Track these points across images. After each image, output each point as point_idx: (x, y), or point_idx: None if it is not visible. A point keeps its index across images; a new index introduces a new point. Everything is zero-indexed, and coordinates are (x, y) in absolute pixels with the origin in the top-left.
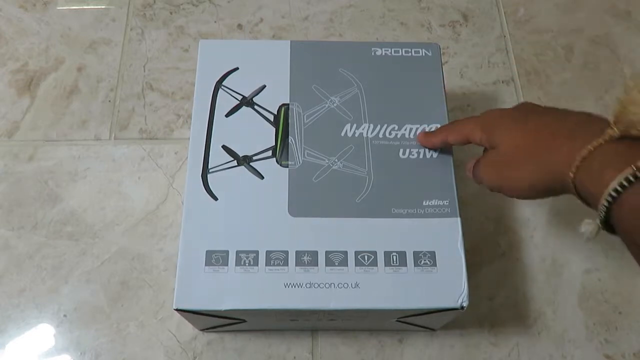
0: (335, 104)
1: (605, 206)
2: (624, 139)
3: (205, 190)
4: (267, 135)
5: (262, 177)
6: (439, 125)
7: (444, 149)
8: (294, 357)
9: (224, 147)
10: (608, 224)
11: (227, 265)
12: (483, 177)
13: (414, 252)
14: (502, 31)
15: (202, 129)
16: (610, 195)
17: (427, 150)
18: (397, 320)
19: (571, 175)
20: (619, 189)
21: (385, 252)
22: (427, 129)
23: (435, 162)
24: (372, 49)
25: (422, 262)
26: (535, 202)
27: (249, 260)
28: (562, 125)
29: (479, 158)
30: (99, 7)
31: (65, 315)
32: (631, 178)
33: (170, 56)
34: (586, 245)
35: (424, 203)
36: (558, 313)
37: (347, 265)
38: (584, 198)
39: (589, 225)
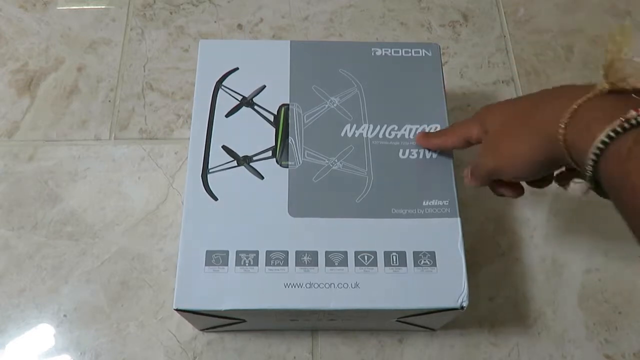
0: (335, 104)
1: (592, 160)
2: (612, 94)
3: (205, 191)
4: (267, 136)
5: (262, 178)
6: (438, 126)
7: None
8: (294, 357)
9: (224, 147)
10: (597, 183)
11: (227, 265)
12: (481, 168)
13: (414, 252)
14: (502, 31)
15: (202, 129)
16: (597, 147)
17: (427, 150)
18: (397, 320)
19: (561, 132)
20: (606, 140)
21: (385, 252)
22: (427, 129)
23: (435, 162)
24: (372, 49)
25: (422, 262)
26: (535, 201)
27: (249, 261)
28: (551, 91)
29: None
30: (99, 7)
31: (65, 315)
32: (619, 129)
33: (170, 56)
34: (586, 245)
35: (423, 203)
36: (558, 313)
37: (347, 266)
38: (575, 159)
39: (578, 184)
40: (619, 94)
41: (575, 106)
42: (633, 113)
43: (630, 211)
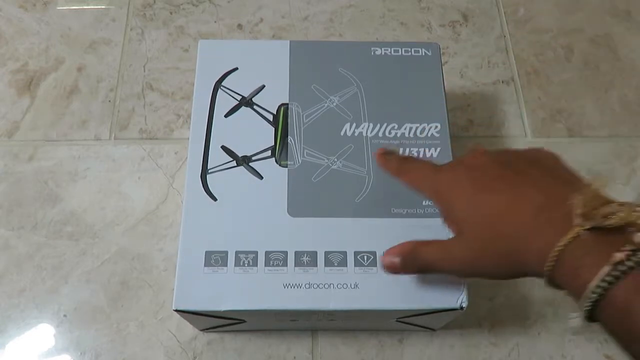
0: (334, 104)
1: (587, 308)
2: (591, 231)
3: (204, 191)
4: (266, 135)
5: (262, 177)
6: (439, 125)
7: (443, 149)
8: (294, 357)
9: (223, 147)
10: (592, 318)
11: (226, 265)
12: (443, 263)
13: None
14: (502, 31)
15: (202, 129)
16: (590, 300)
17: (426, 149)
18: (397, 321)
19: (546, 274)
20: (598, 291)
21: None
22: (427, 128)
23: (435, 161)
24: (372, 48)
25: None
26: None
27: (248, 261)
28: (524, 211)
29: (421, 244)
30: (99, 7)
31: (65, 315)
32: (609, 279)
33: (170, 56)
34: None
35: (423, 203)
36: (558, 313)
37: (347, 266)
38: (561, 288)
39: (576, 319)
40: (601, 232)
41: (557, 250)
42: (618, 255)
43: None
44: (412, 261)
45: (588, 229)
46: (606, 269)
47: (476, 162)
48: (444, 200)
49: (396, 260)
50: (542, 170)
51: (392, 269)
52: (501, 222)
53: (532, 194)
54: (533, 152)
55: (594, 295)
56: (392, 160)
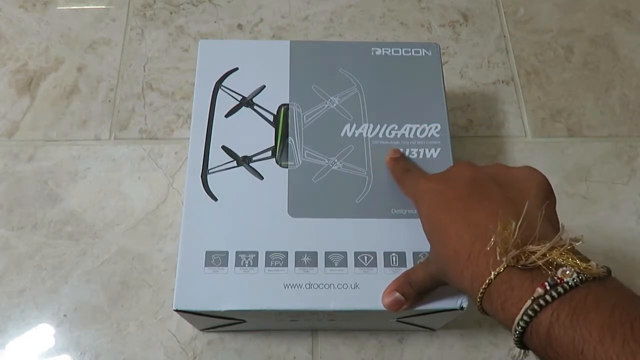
0: (334, 104)
1: (517, 337)
2: (515, 267)
3: (204, 191)
4: (266, 136)
5: (262, 178)
6: (439, 125)
7: (443, 149)
8: (294, 357)
9: (223, 147)
10: (525, 346)
11: (226, 265)
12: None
13: (414, 253)
14: (502, 31)
15: (202, 129)
16: (518, 326)
17: (426, 150)
18: (397, 321)
19: (477, 304)
20: (523, 324)
21: (384, 253)
22: (427, 129)
23: (435, 162)
24: (372, 48)
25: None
26: None
27: (249, 261)
28: (464, 238)
29: (408, 272)
30: (99, 7)
31: (65, 315)
32: (531, 313)
33: (170, 56)
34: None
35: None
36: None
37: (347, 266)
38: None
39: (514, 349)
40: (524, 268)
41: (485, 285)
42: (539, 290)
43: None
44: (409, 289)
45: (512, 265)
46: (527, 303)
47: (452, 177)
48: (417, 209)
49: (397, 295)
50: (504, 197)
51: (398, 305)
52: (446, 244)
53: (477, 221)
54: (518, 173)
55: (520, 328)
56: (397, 170)
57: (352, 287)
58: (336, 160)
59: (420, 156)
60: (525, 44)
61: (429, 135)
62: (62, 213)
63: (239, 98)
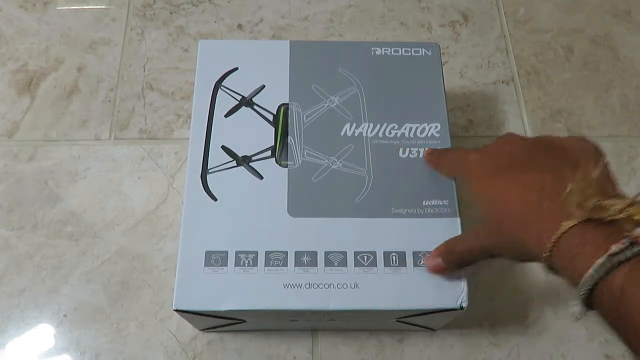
0: (334, 104)
1: (584, 293)
2: (591, 222)
3: (204, 191)
4: (266, 135)
5: (262, 178)
6: (439, 125)
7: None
8: (294, 357)
9: (223, 147)
10: (590, 306)
11: (226, 265)
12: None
13: (414, 252)
14: (502, 31)
15: (202, 129)
16: (587, 282)
17: (426, 149)
18: (397, 321)
19: (544, 260)
20: (594, 280)
21: (384, 253)
22: (427, 128)
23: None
24: (372, 48)
25: (422, 262)
26: None
27: (248, 261)
28: (528, 199)
29: (451, 241)
30: (99, 7)
31: (65, 315)
32: (605, 268)
33: (170, 56)
34: None
35: (423, 203)
36: (558, 313)
37: (347, 266)
38: (559, 275)
39: (576, 306)
40: (598, 223)
41: (555, 237)
42: (614, 247)
43: (634, 346)
44: (451, 256)
45: (586, 220)
46: (602, 259)
47: (501, 148)
48: (468, 182)
49: (438, 260)
50: (561, 160)
51: (438, 270)
52: (508, 207)
53: (541, 181)
54: (570, 141)
55: (589, 284)
56: (434, 155)
57: (352, 286)
58: (336, 160)
59: (420, 155)
60: (525, 44)
61: (429, 135)
62: (62, 213)
63: (239, 98)
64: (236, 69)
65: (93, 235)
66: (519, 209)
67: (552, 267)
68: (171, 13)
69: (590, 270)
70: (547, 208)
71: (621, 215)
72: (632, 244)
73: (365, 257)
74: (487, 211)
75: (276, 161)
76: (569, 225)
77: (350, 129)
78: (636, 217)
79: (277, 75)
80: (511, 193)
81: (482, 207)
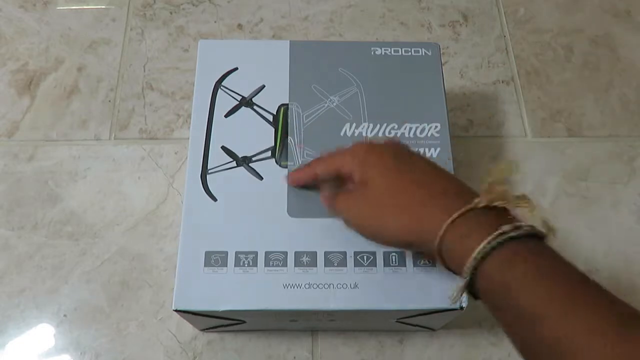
0: (334, 104)
1: (468, 273)
2: (486, 209)
3: (204, 191)
4: (266, 136)
5: (262, 178)
6: (438, 125)
7: (443, 149)
8: (294, 357)
9: (223, 147)
10: (473, 291)
11: (226, 266)
12: (343, 212)
13: (413, 253)
14: (502, 31)
15: (202, 129)
16: (474, 259)
17: (426, 149)
18: (397, 321)
19: (436, 241)
20: (483, 254)
21: (384, 253)
22: (427, 128)
23: (434, 161)
24: (372, 48)
25: (422, 262)
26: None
27: (248, 261)
28: (436, 190)
29: (340, 192)
30: (99, 7)
31: (65, 315)
32: (495, 243)
33: (170, 56)
34: (586, 246)
35: None
36: None
37: (346, 266)
38: (446, 262)
39: (455, 295)
40: (492, 210)
41: (451, 220)
42: (506, 227)
43: (510, 322)
44: (331, 209)
45: (477, 208)
46: (482, 244)
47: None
48: (362, 163)
49: (299, 177)
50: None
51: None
52: (412, 192)
53: (441, 181)
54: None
55: (478, 258)
56: (302, 168)
57: (352, 286)
58: None
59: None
60: (525, 44)
61: (428, 135)
62: (62, 213)
63: (239, 98)
64: (236, 69)
65: (93, 235)
66: (424, 192)
67: (440, 256)
68: (171, 13)
69: (481, 244)
70: (450, 197)
71: (505, 200)
72: (516, 227)
73: (364, 257)
74: (382, 193)
75: (276, 161)
76: (469, 207)
77: (350, 129)
78: (520, 205)
79: (277, 76)
80: (416, 182)
81: (375, 190)
